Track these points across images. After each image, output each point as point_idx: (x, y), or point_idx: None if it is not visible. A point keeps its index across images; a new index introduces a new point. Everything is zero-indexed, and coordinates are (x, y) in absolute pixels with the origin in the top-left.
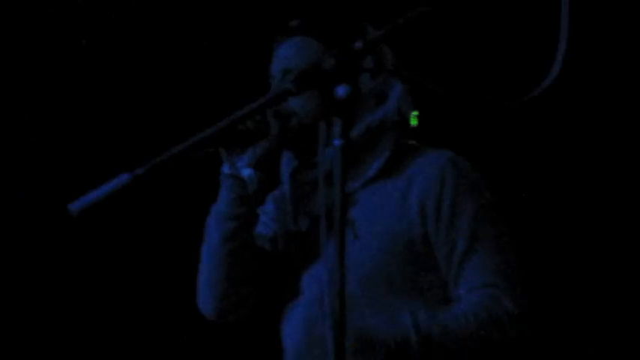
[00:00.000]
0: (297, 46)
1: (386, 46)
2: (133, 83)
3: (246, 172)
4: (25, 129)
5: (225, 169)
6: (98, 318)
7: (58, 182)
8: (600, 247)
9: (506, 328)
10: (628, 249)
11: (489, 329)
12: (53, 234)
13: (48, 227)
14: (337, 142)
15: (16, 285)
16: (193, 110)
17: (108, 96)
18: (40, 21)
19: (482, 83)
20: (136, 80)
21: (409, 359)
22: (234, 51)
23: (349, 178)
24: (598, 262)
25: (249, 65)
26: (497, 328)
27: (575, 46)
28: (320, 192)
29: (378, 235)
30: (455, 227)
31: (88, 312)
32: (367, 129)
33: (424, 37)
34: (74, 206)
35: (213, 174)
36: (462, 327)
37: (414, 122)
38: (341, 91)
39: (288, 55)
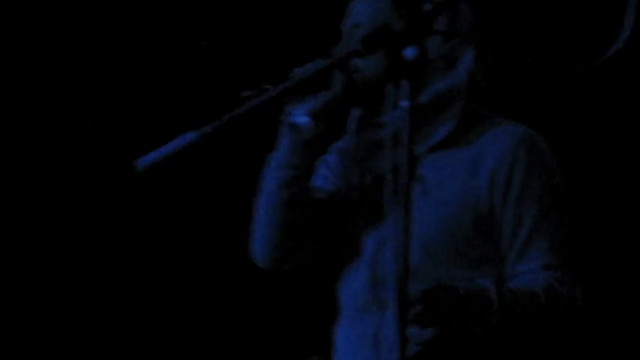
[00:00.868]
0: (368, 2)
1: (466, 6)
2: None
3: (302, 120)
4: (33, 128)
5: (291, 118)
6: (99, 318)
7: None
8: (600, 247)
9: (569, 311)
10: (628, 249)
11: (557, 310)
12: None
13: (57, 222)
14: (404, 103)
15: (19, 284)
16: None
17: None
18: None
19: (552, 48)
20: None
21: (480, 327)
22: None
23: (416, 142)
24: (598, 262)
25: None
26: (563, 309)
27: None
28: (386, 152)
29: (444, 201)
30: (523, 205)
31: (89, 312)
32: (436, 94)
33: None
34: (141, 162)
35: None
36: (534, 304)
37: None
38: (409, 52)
39: (359, 10)
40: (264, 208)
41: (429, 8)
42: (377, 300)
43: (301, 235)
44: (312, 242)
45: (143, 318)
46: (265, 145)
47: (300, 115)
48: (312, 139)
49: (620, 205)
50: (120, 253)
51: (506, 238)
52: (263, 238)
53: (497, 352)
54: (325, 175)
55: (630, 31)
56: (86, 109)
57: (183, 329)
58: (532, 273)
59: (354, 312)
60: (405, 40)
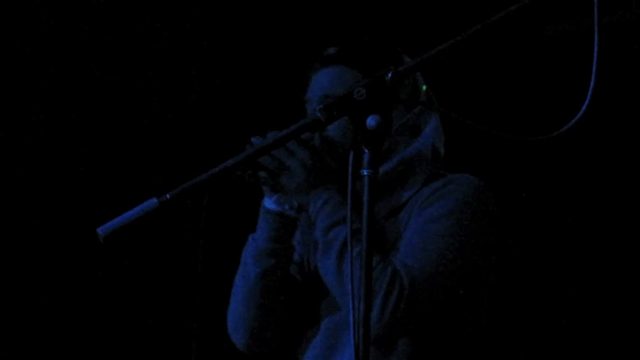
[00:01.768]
0: (334, 74)
1: (420, 77)
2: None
3: (275, 207)
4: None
5: (268, 204)
6: (100, 318)
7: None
8: (600, 247)
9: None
10: (628, 249)
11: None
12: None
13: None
14: (366, 172)
15: (21, 286)
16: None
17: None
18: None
19: (511, 116)
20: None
21: None
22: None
23: (379, 209)
24: (598, 263)
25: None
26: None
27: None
28: (347, 220)
29: None
30: (417, 214)
31: (92, 312)
32: (400, 163)
33: (454, 68)
34: (102, 230)
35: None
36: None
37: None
38: (371, 121)
39: (324, 83)
40: (244, 295)
41: (389, 77)
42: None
43: (278, 318)
44: (286, 322)
45: (142, 318)
46: None
47: (273, 201)
48: (287, 223)
49: (617, 207)
50: (119, 252)
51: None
52: (242, 324)
53: None
54: (294, 245)
55: (589, 102)
56: (85, 109)
57: (178, 330)
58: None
59: None
60: (367, 108)
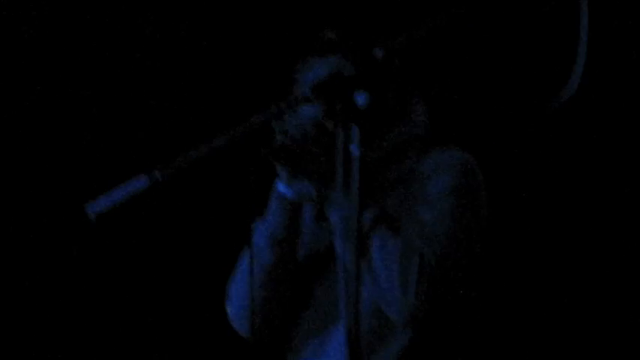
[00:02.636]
0: (331, 65)
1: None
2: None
3: (287, 191)
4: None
5: (284, 190)
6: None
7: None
8: (600, 247)
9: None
10: (628, 249)
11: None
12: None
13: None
14: (355, 150)
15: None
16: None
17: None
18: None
19: (500, 91)
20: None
21: None
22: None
23: (379, 183)
24: (598, 263)
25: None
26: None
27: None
28: (337, 202)
29: None
30: (420, 192)
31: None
32: (393, 144)
33: (442, 44)
34: (92, 209)
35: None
36: None
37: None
38: (360, 98)
39: (318, 71)
40: (259, 282)
41: (380, 54)
42: (322, 347)
43: (286, 305)
44: (290, 308)
45: (141, 318)
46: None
47: (290, 187)
48: (298, 209)
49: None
50: (118, 251)
51: None
52: (251, 310)
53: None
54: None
55: (580, 78)
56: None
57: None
58: None
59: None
60: (355, 85)
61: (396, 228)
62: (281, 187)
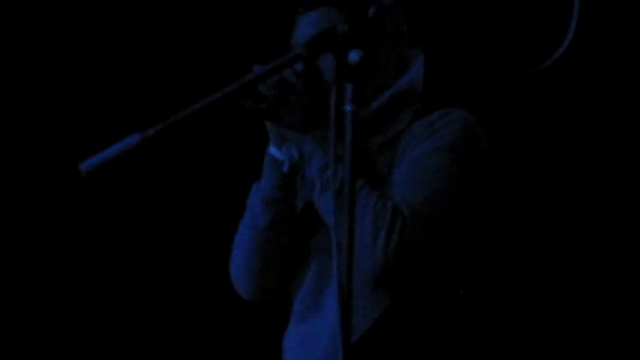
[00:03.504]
0: (321, 16)
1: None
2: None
3: (279, 154)
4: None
5: (274, 152)
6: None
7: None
8: (600, 247)
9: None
10: (628, 249)
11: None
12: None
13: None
14: (349, 107)
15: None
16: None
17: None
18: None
19: (494, 51)
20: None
21: None
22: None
23: (372, 143)
24: (598, 262)
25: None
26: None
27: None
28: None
29: None
30: (412, 148)
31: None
32: (391, 97)
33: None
34: (84, 166)
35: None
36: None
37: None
38: (353, 56)
39: (311, 27)
40: (253, 244)
41: (373, 11)
42: (319, 305)
43: (284, 265)
44: (287, 268)
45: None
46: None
47: (277, 150)
48: (292, 172)
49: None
50: (116, 251)
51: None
52: (250, 271)
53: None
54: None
55: (573, 35)
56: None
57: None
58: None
59: (299, 315)
60: (348, 43)
61: (373, 185)
62: (271, 149)
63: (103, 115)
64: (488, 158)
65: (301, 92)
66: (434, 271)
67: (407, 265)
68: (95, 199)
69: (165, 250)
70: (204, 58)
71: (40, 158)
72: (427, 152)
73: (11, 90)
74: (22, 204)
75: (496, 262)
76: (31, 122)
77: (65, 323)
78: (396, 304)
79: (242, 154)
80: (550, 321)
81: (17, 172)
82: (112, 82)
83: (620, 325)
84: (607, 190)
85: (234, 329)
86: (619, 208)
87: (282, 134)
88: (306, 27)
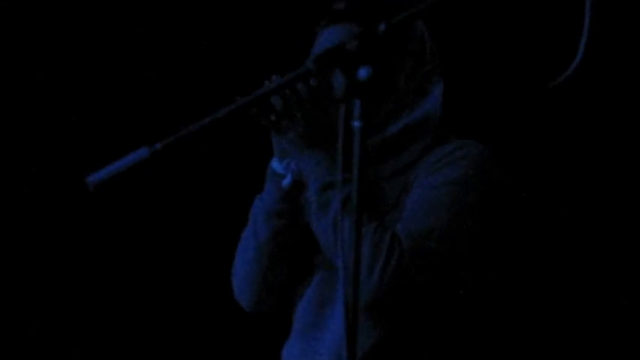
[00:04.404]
0: (342, 32)
1: (426, 31)
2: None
3: (280, 168)
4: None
5: (276, 166)
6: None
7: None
8: (600, 246)
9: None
10: (628, 249)
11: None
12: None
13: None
14: (357, 124)
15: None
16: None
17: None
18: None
19: (507, 69)
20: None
21: None
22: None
23: (383, 169)
24: (598, 262)
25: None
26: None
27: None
28: (338, 174)
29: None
30: (423, 179)
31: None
32: (407, 125)
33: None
34: (91, 179)
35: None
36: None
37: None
38: (362, 72)
39: (330, 40)
40: (255, 255)
41: (383, 28)
42: (320, 321)
43: (284, 277)
44: (289, 281)
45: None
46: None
47: (279, 164)
48: (293, 187)
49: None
50: (116, 250)
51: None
52: (250, 283)
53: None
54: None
55: (582, 56)
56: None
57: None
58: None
59: (300, 330)
60: (358, 59)
61: (377, 212)
62: (273, 162)
63: (107, 119)
64: (502, 193)
65: (308, 108)
66: (431, 300)
67: (402, 295)
68: (99, 207)
69: (167, 259)
70: (213, 66)
71: (40, 159)
72: (436, 185)
73: (16, 95)
74: (22, 205)
75: (497, 286)
76: (36, 127)
77: (68, 330)
78: (391, 333)
79: (248, 164)
80: (550, 342)
81: (17, 172)
82: (120, 87)
83: (620, 325)
84: (607, 191)
85: (235, 339)
86: (619, 210)
87: (285, 148)
88: (324, 41)
